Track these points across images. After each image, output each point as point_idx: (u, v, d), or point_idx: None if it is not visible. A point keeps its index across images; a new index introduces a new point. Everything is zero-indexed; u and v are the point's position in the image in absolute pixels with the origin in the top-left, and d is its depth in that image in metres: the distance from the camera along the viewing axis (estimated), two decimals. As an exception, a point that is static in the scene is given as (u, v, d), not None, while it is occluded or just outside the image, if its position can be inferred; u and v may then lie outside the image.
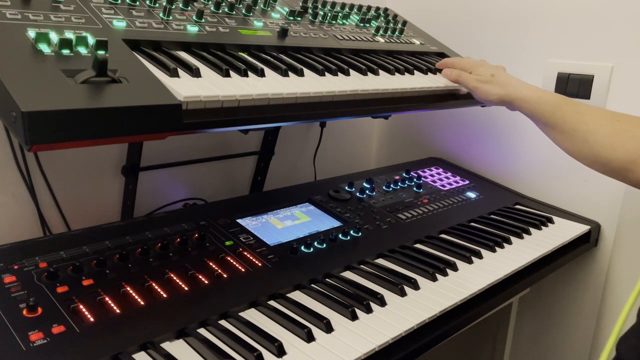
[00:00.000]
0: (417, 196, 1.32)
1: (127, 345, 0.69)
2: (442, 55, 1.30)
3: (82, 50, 0.67)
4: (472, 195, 1.40)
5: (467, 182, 1.48)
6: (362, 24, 1.25)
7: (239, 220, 1.03)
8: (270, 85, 0.79)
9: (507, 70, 1.12)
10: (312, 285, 0.89)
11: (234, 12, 0.98)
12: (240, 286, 0.85)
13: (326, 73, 0.92)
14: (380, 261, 1.01)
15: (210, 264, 0.88)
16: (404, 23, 1.36)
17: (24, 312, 0.70)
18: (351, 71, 0.97)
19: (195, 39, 0.86)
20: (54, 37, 0.66)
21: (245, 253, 0.93)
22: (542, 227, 1.25)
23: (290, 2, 1.15)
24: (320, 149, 1.60)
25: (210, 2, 0.96)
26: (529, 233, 1.20)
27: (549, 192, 1.42)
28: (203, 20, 0.91)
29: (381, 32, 1.26)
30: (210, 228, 0.98)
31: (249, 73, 0.81)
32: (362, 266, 0.97)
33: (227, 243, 0.95)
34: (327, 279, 0.91)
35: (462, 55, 1.34)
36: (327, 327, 0.77)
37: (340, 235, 1.05)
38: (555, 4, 1.34)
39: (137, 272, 0.83)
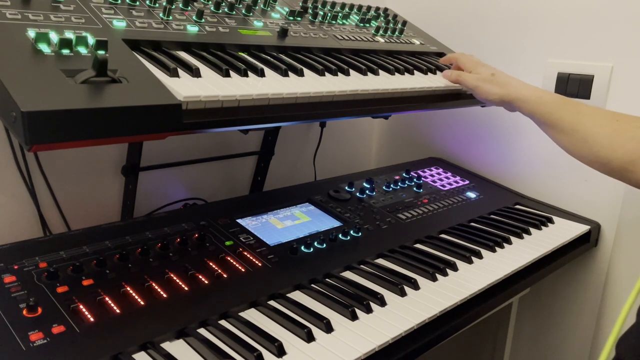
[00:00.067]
0: (417, 196, 1.32)
1: (127, 345, 0.69)
2: (442, 55, 1.30)
3: (82, 50, 0.67)
4: (472, 195, 1.40)
5: (467, 182, 1.48)
6: (362, 24, 1.25)
7: (239, 220, 1.03)
8: (270, 85, 0.79)
9: (507, 71, 1.12)
10: (312, 285, 0.89)
11: (234, 12, 0.98)
12: (240, 286, 0.85)
13: (326, 73, 0.92)
14: (380, 261, 1.01)
15: (210, 264, 0.88)
16: (404, 23, 1.36)
17: (24, 312, 0.70)
18: (351, 71, 0.97)
19: (195, 39, 0.86)
20: (54, 37, 0.66)
21: (245, 253, 0.93)
22: (542, 227, 1.25)
23: (290, 2, 1.15)
24: (320, 149, 1.60)
25: (210, 2, 0.96)
26: (529, 233, 1.20)
27: (548, 192, 1.42)
28: (203, 20, 0.91)
29: (381, 32, 1.26)
30: (210, 228, 0.98)
31: (249, 73, 0.81)
32: (362, 266, 0.97)
33: (227, 243, 0.95)
34: (327, 279, 0.91)
35: (462, 56, 1.34)
36: (327, 327, 0.77)
37: (340, 235, 1.05)
38: (555, 4, 1.34)
39: (137, 272, 0.83)
